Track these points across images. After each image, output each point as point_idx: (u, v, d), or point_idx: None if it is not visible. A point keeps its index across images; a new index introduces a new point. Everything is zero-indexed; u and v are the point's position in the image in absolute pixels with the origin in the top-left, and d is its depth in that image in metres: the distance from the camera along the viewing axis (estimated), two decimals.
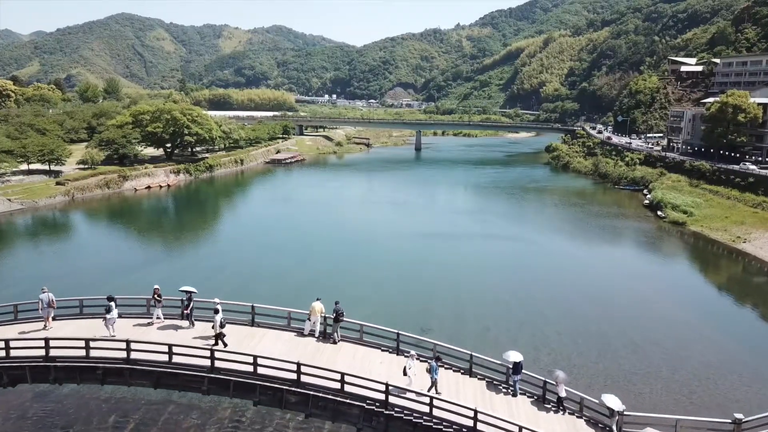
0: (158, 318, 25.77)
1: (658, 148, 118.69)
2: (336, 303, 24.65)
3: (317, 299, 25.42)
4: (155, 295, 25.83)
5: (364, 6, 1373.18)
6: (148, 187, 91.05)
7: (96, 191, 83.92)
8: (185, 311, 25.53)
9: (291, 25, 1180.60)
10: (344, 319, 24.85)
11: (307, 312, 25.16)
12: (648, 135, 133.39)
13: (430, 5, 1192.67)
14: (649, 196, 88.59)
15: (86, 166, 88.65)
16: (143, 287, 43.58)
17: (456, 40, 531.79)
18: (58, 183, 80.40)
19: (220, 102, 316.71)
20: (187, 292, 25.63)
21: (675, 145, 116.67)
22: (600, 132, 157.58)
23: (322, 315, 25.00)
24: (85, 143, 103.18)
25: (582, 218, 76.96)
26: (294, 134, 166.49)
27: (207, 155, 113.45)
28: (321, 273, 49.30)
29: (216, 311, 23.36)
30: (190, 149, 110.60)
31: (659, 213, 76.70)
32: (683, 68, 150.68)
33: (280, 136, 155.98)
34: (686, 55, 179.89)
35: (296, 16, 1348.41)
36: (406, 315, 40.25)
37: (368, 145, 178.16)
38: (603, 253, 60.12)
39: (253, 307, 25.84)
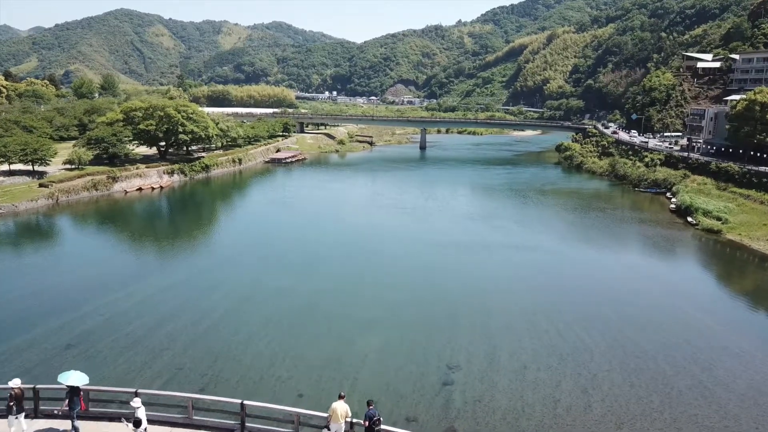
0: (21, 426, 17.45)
1: (677, 147, 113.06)
2: (369, 405, 17.47)
3: (339, 397, 17.85)
4: (12, 400, 17.09)
5: (364, 2, 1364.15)
6: (140, 189, 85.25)
7: (83, 193, 78.13)
8: (69, 409, 17.34)
9: (291, 21, 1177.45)
10: (383, 427, 17.42)
11: (325, 414, 17.74)
12: (665, 134, 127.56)
13: (431, 1, 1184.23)
14: (674, 199, 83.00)
15: (73, 167, 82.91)
16: (122, 312, 37.20)
17: (457, 37, 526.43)
18: (41, 185, 74.62)
19: (219, 98, 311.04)
20: (69, 386, 17.30)
21: (695, 144, 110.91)
22: (606, 127, 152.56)
23: (348, 420, 17.71)
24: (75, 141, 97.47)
25: (607, 224, 71.32)
26: (294, 132, 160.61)
27: (203, 154, 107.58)
28: (326, 292, 43.52)
29: (136, 423, 15.48)
30: (185, 148, 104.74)
31: (689, 219, 71.00)
32: (699, 64, 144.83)
33: (280, 134, 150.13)
34: (699, 51, 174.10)
35: (296, 13, 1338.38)
36: (427, 345, 34.64)
37: (371, 144, 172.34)
38: (638, 267, 54.12)
39: (242, 405, 17.80)
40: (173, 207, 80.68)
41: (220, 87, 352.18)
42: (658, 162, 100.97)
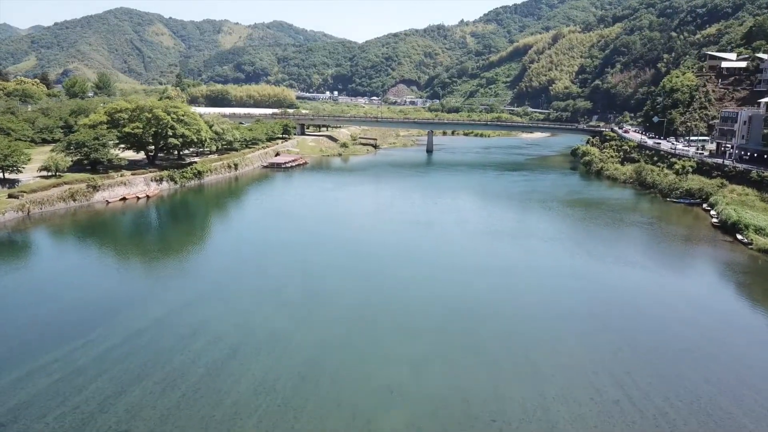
0: None
1: (706, 153, 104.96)
2: None
3: None
4: None
5: (365, 2, 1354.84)
6: (124, 199, 77.13)
7: (58, 205, 70.01)
8: None
9: (292, 20, 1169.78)
10: None
11: None
12: (690, 137, 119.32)
13: (433, 1, 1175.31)
14: (713, 212, 75.10)
15: (49, 174, 74.87)
16: (76, 371, 26.82)
17: (460, 37, 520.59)
18: (10, 195, 66.49)
19: (218, 98, 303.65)
20: None
21: (726, 149, 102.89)
22: (621, 128, 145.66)
23: None
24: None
25: (648, 243, 63.29)
26: (295, 134, 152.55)
27: (196, 159, 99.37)
28: (332, 340, 35.37)
29: None
30: (176, 152, 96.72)
31: (739, 237, 62.98)
32: (724, 64, 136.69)
33: (280, 136, 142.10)
34: (719, 50, 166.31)
35: (297, 12, 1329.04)
36: (465, 424, 26.61)
37: (375, 146, 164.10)
38: (701, 301, 45.29)
39: None
40: (159, 220, 72.53)
41: (219, 86, 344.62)
42: (690, 169, 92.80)
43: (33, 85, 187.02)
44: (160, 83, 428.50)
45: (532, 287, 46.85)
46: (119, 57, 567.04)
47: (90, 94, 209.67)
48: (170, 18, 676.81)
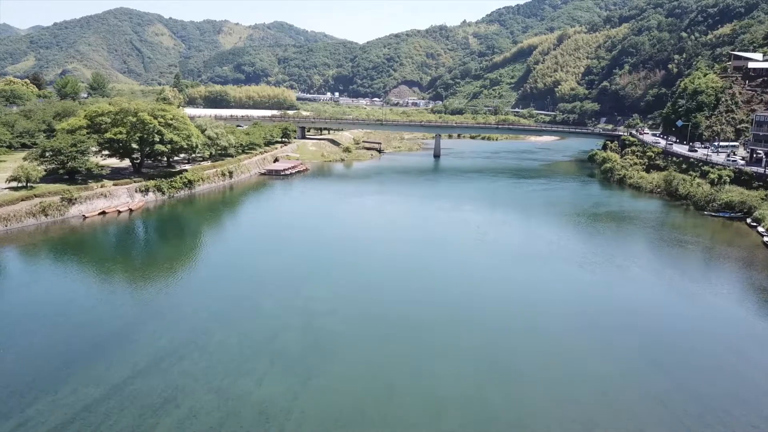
0: None
1: (741, 160, 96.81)
2: None
3: None
4: None
5: (367, 2, 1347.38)
6: (103, 213, 68.99)
7: (28, 221, 61.92)
8: None
9: (292, 21, 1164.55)
10: None
11: None
12: (720, 143, 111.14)
13: (435, 1, 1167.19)
14: (761, 229, 67.21)
15: (19, 185, 66.85)
16: None
17: (462, 37, 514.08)
18: None
19: (216, 99, 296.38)
20: None
21: (761, 156, 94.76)
22: (641, 132, 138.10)
23: None
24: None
25: (704, 270, 55.34)
26: (295, 137, 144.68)
27: (187, 167, 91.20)
28: (339, 418, 27.32)
29: None
30: (165, 159, 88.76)
31: None
32: (750, 65, 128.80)
33: (279, 140, 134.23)
34: (737, 51, 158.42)
35: (298, 13, 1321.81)
36: None
37: (380, 151, 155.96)
38: None
39: None
40: (140, 239, 64.35)
41: (218, 87, 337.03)
42: (727, 179, 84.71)
43: (23, 85, 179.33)
44: (159, 84, 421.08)
45: (586, 332, 38.73)
46: (119, 57, 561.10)
47: (84, 95, 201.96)
48: (170, 18, 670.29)
